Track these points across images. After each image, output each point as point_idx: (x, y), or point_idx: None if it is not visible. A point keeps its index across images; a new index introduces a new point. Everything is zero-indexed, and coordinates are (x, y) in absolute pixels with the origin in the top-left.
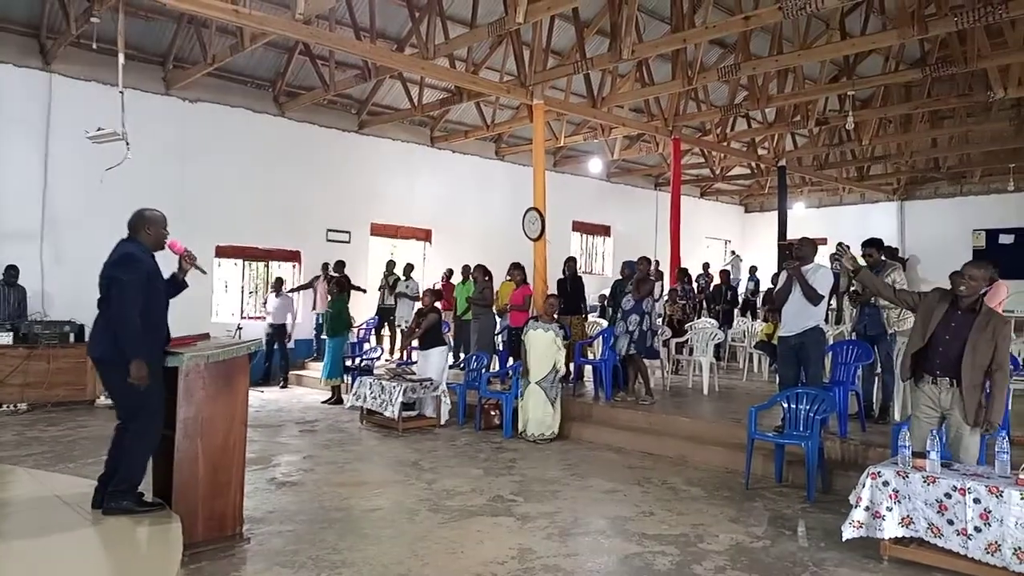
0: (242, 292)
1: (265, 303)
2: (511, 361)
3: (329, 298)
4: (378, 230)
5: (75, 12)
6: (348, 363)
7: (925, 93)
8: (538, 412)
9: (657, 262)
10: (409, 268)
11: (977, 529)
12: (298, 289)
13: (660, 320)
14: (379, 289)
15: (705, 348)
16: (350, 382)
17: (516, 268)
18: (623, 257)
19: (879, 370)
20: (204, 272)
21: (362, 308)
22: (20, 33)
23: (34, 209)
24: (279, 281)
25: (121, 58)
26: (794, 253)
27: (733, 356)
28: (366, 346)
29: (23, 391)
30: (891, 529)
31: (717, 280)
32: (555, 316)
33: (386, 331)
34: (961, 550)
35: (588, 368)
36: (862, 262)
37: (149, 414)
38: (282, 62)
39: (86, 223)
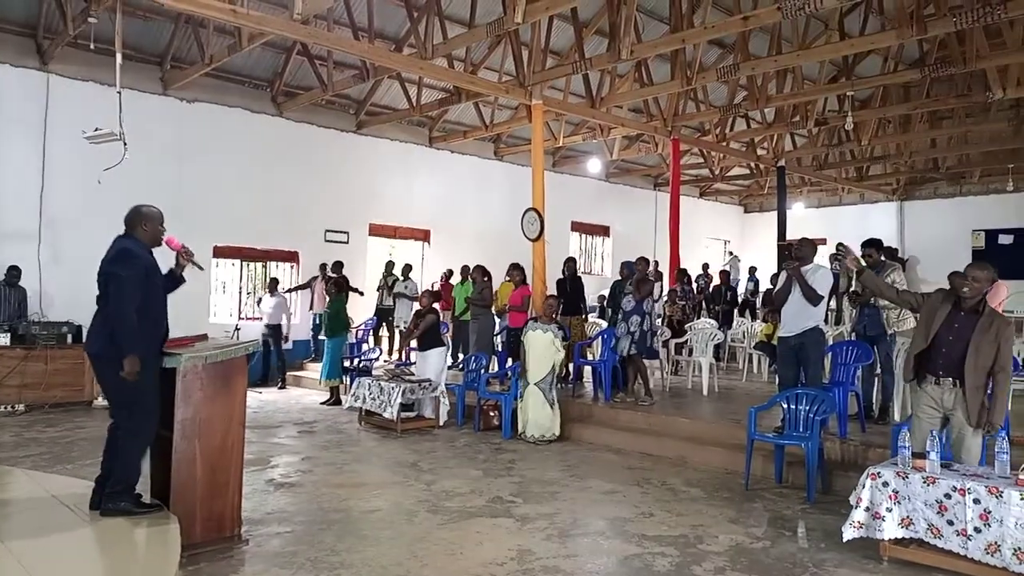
0: (240, 293)
1: (259, 302)
2: (510, 362)
3: (327, 298)
4: (376, 230)
5: (72, 12)
6: (347, 364)
7: (924, 93)
8: (537, 414)
9: (656, 262)
10: (408, 268)
11: (977, 530)
12: (296, 289)
13: (659, 320)
14: (377, 289)
15: (704, 349)
16: (349, 383)
17: (515, 269)
18: (622, 257)
19: (879, 371)
20: (201, 268)
21: (360, 309)
22: (17, 33)
23: (32, 210)
24: (274, 281)
25: (119, 58)
26: (794, 253)
27: (733, 357)
28: (364, 347)
29: (21, 392)
30: (891, 530)
31: (717, 280)
32: (555, 317)
33: (384, 332)
34: (961, 551)
35: (587, 369)
36: (863, 263)
37: (143, 412)
38: (280, 62)
39: (84, 223)
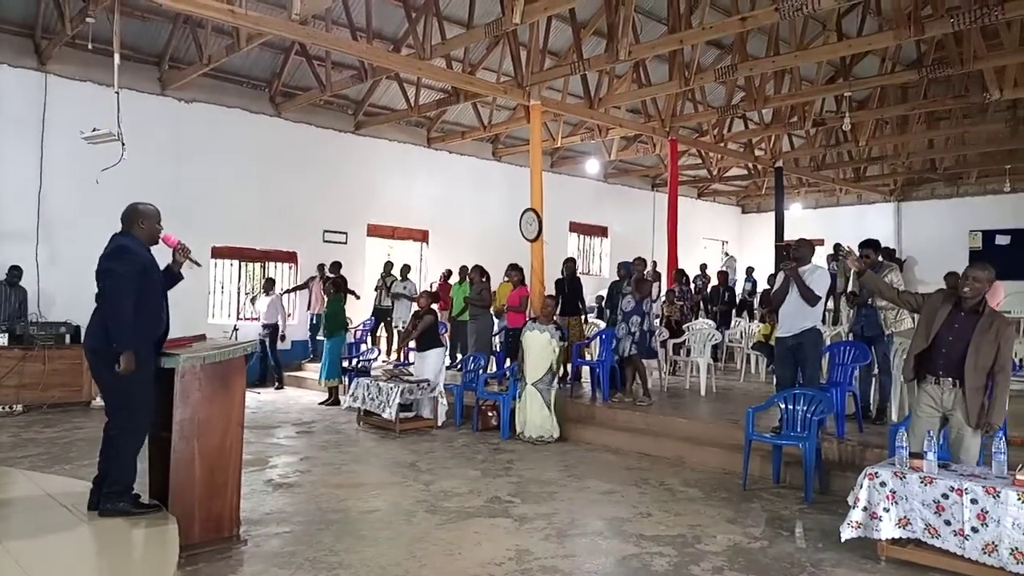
0: (238, 293)
1: (253, 301)
2: (508, 362)
3: (326, 299)
4: (375, 231)
5: (70, 12)
6: (345, 364)
7: (921, 94)
8: (535, 415)
9: (655, 263)
10: (406, 269)
11: (974, 529)
12: (294, 290)
13: (657, 320)
14: (375, 290)
15: (702, 349)
16: (348, 383)
17: (514, 269)
18: (620, 258)
19: (876, 371)
20: (199, 265)
21: (358, 309)
22: (15, 33)
23: (29, 210)
24: (270, 281)
25: (117, 58)
26: (791, 254)
27: (730, 357)
28: (363, 347)
29: (19, 392)
30: (888, 530)
31: (715, 281)
32: (553, 317)
33: (383, 332)
34: (958, 550)
35: (586, 369)
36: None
37: (136, 409)
38: (278, 62)
39: (82, 224)
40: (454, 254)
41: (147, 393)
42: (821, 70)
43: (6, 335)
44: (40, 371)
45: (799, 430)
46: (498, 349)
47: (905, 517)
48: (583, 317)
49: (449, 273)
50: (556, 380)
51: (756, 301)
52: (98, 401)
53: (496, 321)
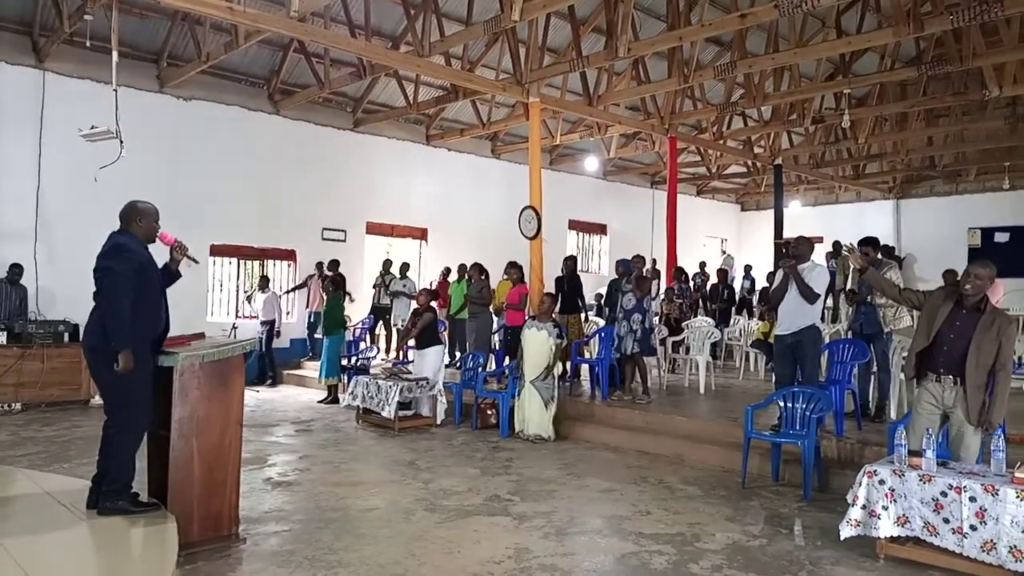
0: (237, 291)
1: (250, 299)
2: (507, 360)
3: (324, 296)
4: (374, 229)
5: (68, 9)
6: (345, 362)
7: (921, 91)
8: (534, 413)
9: (654, 260)
10: (405, 267)
11: (973, 527)
12: (294, 289)
13: (656, 318)
14: (373, 287)
15: (702, 347)
16: (347, 381)
17: (513, 267)
18: (619, 255)
19: (875, 369)
20: (196, 262)
21: (357, 307)
22: (13, 30)
23: (28, 208)
24: (264, 279)
25: (115, 55)
26: (790, 252)
27: (729, 355)
28: (362, 345)
29: (17, 391)
30: (887, 528)
31: (714, 279)
32: (552, 315)
33: (381, 330)
34: (957, 548)
35: (585, 367)
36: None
37: (135, 408)
38: (277, 60)
39: (80, 221)
40: (453, 252)
41: (146, 391)
42: (820, 67)
43: (5, 333)
44: (39, 369)
45: (798, 428)
46: (497, 347)
47: (904, 515)
48: (583, 315)
49: (448, 271)
50: (551, 377)
51: (755, 299)
52: (97, 399)
53: (495, 319)
